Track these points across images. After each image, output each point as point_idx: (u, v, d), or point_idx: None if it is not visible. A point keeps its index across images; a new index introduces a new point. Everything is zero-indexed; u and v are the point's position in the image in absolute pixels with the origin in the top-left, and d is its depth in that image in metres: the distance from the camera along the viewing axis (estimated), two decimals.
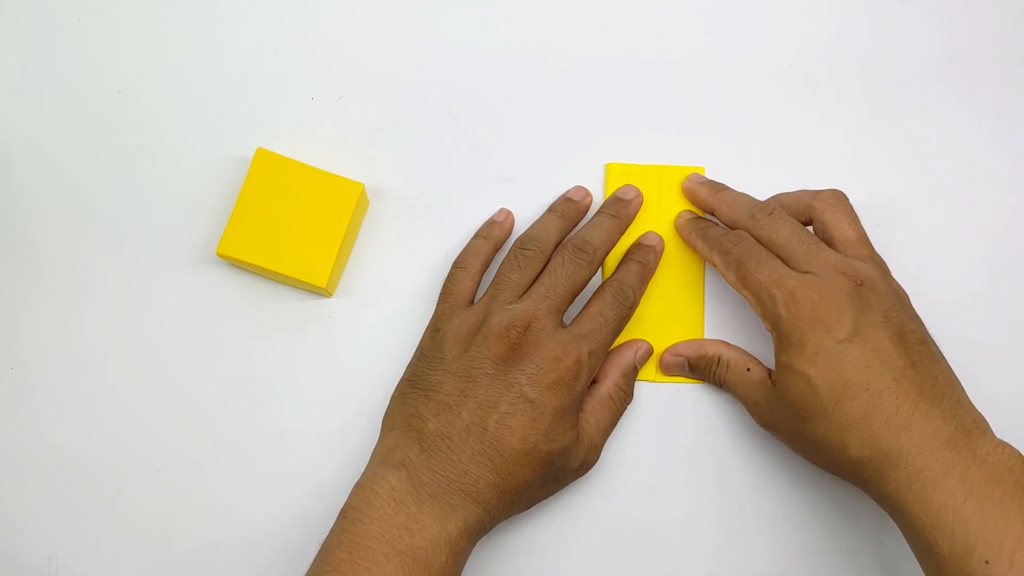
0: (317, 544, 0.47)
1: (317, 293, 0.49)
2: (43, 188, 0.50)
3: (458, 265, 0.48)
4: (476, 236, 0.49)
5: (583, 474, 0.46)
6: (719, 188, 0.49)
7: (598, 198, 0.50)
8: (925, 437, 0.39)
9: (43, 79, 0.51)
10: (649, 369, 0.49)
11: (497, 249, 0.49)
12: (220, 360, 0.49)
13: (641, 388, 0.49)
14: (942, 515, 0.38)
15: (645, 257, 0.48)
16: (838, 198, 0.46)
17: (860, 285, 0.42)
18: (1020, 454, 0.39)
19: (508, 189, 0.51)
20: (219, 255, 0.47)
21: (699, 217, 0.49)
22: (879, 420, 0.40)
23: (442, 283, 0.49)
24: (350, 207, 0.47)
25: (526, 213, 0.50)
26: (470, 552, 0.42)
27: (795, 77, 0.52)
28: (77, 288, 0.49)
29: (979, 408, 0.41)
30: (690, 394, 0.49)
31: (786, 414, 0.43)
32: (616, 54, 0.52)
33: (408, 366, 0.47)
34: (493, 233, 0.49)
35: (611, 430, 0.47)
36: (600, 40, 0.52)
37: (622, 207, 0.49)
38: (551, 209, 0.49)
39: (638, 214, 0.50)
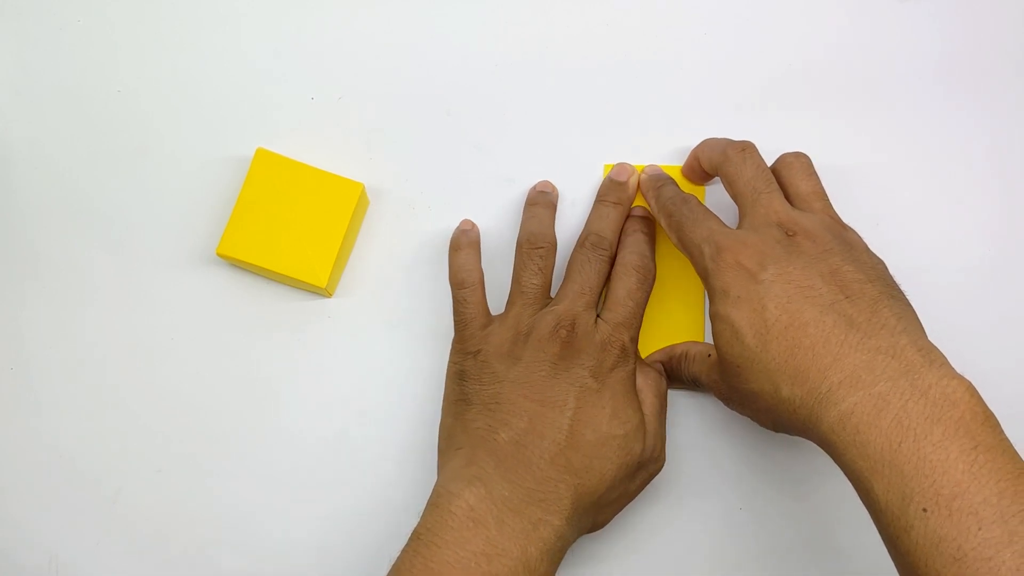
0: (317, 544, 0.47)
1: (317, 293, 0.49)
2: (43, 188, 0.50)
3: (460, 285, 0.47)
4: (458, 249, 0.49)
5: (656, 470, 0.45)
6: (706, 139, 0.49)
7: (593, 198, 0.50)
8: (857, 370, 0.36)
9: (43, 79, 0.51)
10: None
11: (480, 255, 0.49)
12: (220, 360, 0.49)
13: None
14: (877, 461, 0.35)
15: (644, 227, 0.49)
16: (796, 156, 0.46)
17: (793, 235, 0.41)
18: (969, 386, 0.36)
19: (508, 189, 0.51)
20: (219, 255, 0.47)
21: (661, 174, 0.49)
22: (805, 356, 0.37)
23: (439, 282, 0.49)
24: (350, 207, 0.47)
25: None
26: (553, 569, 0.40)
27: (795, 77, 0.52)
28: (77, 288, 0.49)
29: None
30: (690, 395, 0.49)
31: (728, 376, 0.42)
32: (616, 54, 0.52)
33: (447, 393, 0.46)
34: (472, 240, 0.49)
35: (664, 415, 0.46)
36: (600, 40, 0.52)
37: (622, 191, 0.49)
38: (533, 203, 0.49)
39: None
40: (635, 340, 0.45)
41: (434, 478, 0.46)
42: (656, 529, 0.48)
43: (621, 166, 0.49)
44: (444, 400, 0.46)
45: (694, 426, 0.49)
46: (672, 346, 0.48)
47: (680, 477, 0.48)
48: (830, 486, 0.48)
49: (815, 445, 0.39)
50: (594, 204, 0.49)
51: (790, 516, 0.48)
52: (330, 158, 0.49)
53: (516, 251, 0.48)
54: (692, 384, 0.47)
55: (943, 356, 0.37)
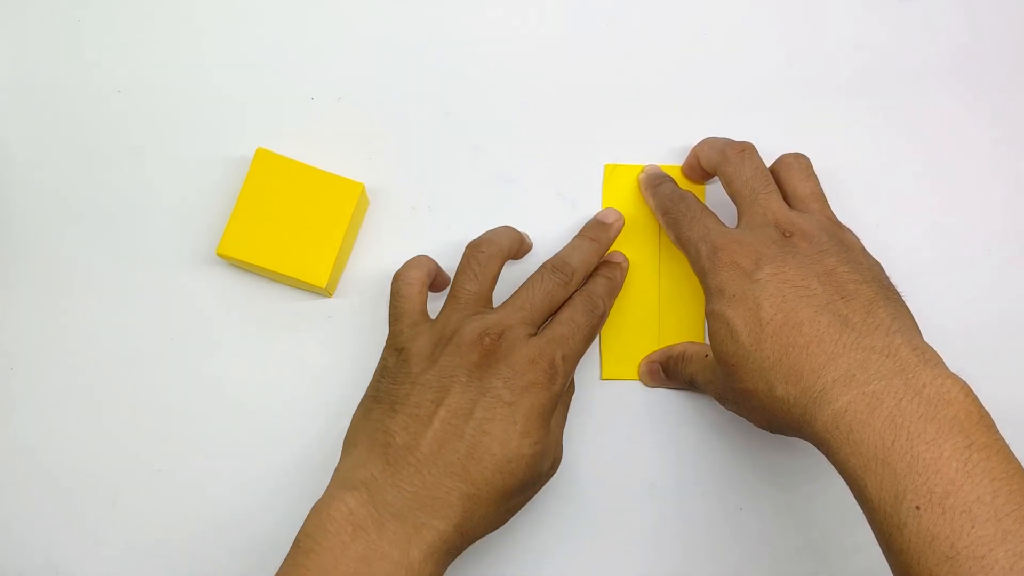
0: None
1: (317, 293, 0.49)
2: (43, 188, 0.50)
3: (397, 279, 0.46)
4: (408, 267, 0.47)
5: (553, 475, 0.44)
6: (706, 138, 0.49)
7: (595, 199, 0.50)
8: (851, 369, 0.36)
9: (43, 79, 0.51)
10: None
11: (432, 275, 0.47)
12: (220, 360, 0.49)
13: (641, 389, 0.49)
14: (870, 459, 0.35)
15: (612, 273, 0.48)
16: (795, 157, 0.46)
17: (790, 236, 0.41)
18: (964, 385, 0.35)
19: (508, 189, 0.51)
20: (219, 255, 0.47)
21: (660, 173, 0.49)
22: (800, 355, 0.38)
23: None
24: (350, 207, 0.47)
25: (526, 213, 0.50)
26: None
27: (795, 77, 0.52)
28: (77, 288, 0.49)
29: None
30: (690, 396, 0.49)
31: (724, 374, 0.41)
32: (616, 54, 0.52)
33: (369, 385, 0.44)
34: (425, 263, 0.47)
35: (564, 423, 0.45)
36: (600, 40, 0.52)
37: (602, 231, 0.48)
38: (497, 232, 0.48)
39: (637, 213, 0.50)
40: (568, 360, 0.43)
41: None
42: (656, 529, 0.48)
43: (610, 210, 0.49)
44: (365, 393, 0.44)
45: (694, 427, 0.49)
46: (671, 346, 0.48)
47: (680, 477, 0.48)
48: (830, 486, 0.48)
49: (813, 446, 0.39)
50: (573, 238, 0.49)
51: (790, 516, 0.48)
52: (330, 158, 0.49)
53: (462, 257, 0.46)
54: (689, 384, 0.47)
55: (938, 355, 0.37)
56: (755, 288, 0.40)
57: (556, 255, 0.47)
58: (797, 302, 0.39)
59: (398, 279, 0.46)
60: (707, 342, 0.46)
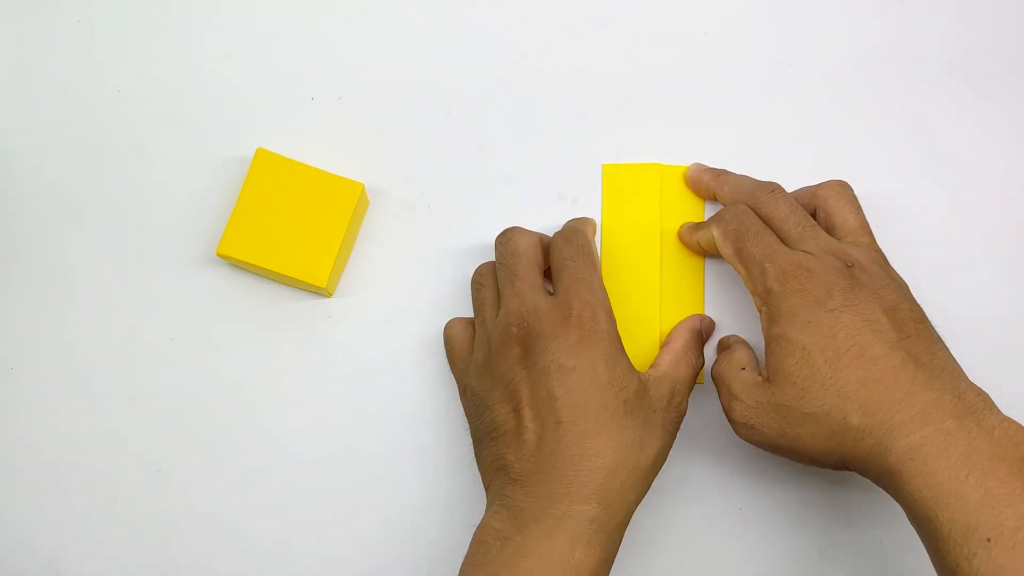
0: (316, 544, 0.47)
1: (317, 293, 0.49)
2: (43, 188, 0.50)
3: (448, 328, 0.48)
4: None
5: (682, 410, 0.44)
6: (721, 172, 0.49)
7: (595, 199, 0.50)
8: (927, 407, 0.38)
9: (43, 79, 0.51)
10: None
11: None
12: (220, 360, 0.49)
13: None
14: (943, 490, 0.36)
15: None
16: (842, 186, 0.47)
17: (851, 267, 0.42)
18: None
19: (508, 189, 0.51)
20: (219, 255, 0.47)
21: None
22: (877, 388, 0.39)
23: (439, 282, 0.49)
24: (350, 207, 0.47)
25: (525, 213, 0.50)
26: (603, 557, 0.40)
27: (795, 77, 0.52)
28: (77, 288, 0.49)
29: None
30: (690, 395, 0.49)
31: (783, 393, 0.41)
32: (616, 54, 0.52)
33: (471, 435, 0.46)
34: (464, 321, 0.49)
35: (691, 382, 0.45)
36: (600, 40, 0.52)
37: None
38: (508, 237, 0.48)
39: (637, 214, 0.50)
40: (594, 292, 0.43)
41: (433, 475, 0.48)
42: (656, 529, 0.48)
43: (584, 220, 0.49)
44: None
45: (694, 427, 0.49)
46: (737, 339, 0.48)
47: (680, 477, 0.48)
48: (830, 487, 0.48)
49: (872, 481, 0.40)
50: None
51: (790, 516, 0.48)
52: (330, 158, 0.49)
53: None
54: (714, 379, 0.46)
55: (991, 398, 0.39)
56: (829, 317, 0.41)
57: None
58: (871, 336, 0.40)
59: (445, 329, 0.48)
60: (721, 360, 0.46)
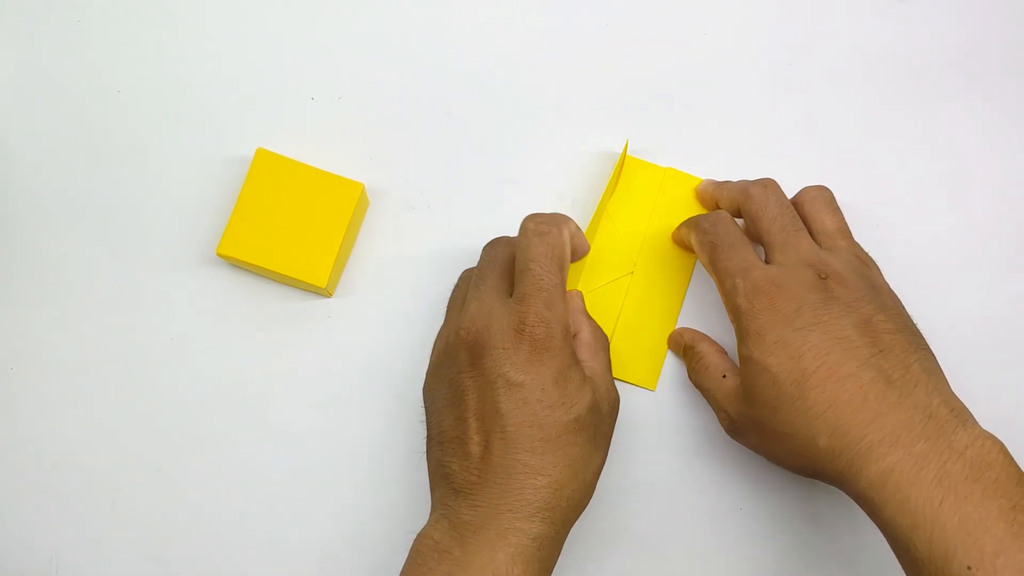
0: (316, 544, 0.47)
1: (317, 293, 0.49)
2: (43, 188, 0.50)
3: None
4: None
5: (616, 415, 0.43)
6: (724, 181, 0.49)
7: (594, 200, 0.50)
8: (896, 428, 0.38)
9: (43, 79, 0.51)
10: (645, 376, 0.49)
11: None
12: (220, 360, 0.49)
13: (641, 390, 0.49)
14: (919, 518, 0.36)
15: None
16: (819, 190, 0.47)
17: (825, 278, 0.42)
18: (1002, 447, 0.37)
19: (508, 189, 0.51)
20: (219, 255, 0.47)
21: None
22: (846, 410, 0.38)
23: (439, 282, 0.49)
24: (350, 207, 0.47)
25: (525, 213, 0.50)
26: (541, 573, 0.39)
27: (795, 77, 0.52)
28: (77, 288, 0.49)
29: (978, 420, 0.40)
30: (690, 394, 0.49)
31: (756, 411, 0.42)
32: (616, 54, 0.52)
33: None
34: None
35: (611, 368, 0.45)
36: (600, 40, 0.52)
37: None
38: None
39: (633, 215, 0.50)
40: (553, 304, 0.40)
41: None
42: (656, 529, 0.48)
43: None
44: None
45: (694, 427, 0.49)
46: (703, 338, 0.48)
47: (680, 477, 0.48)
48: (830, 487, 0.48)
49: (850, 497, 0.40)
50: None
51: (790, 516, 0.48)
52: (330, 158, 0.49)
53: None
54: (694, 384, 0.47)
55: (969, 412, 0.39)
56: (797, 337, 0.40)
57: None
58: (840, 355, 0.39)
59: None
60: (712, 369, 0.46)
